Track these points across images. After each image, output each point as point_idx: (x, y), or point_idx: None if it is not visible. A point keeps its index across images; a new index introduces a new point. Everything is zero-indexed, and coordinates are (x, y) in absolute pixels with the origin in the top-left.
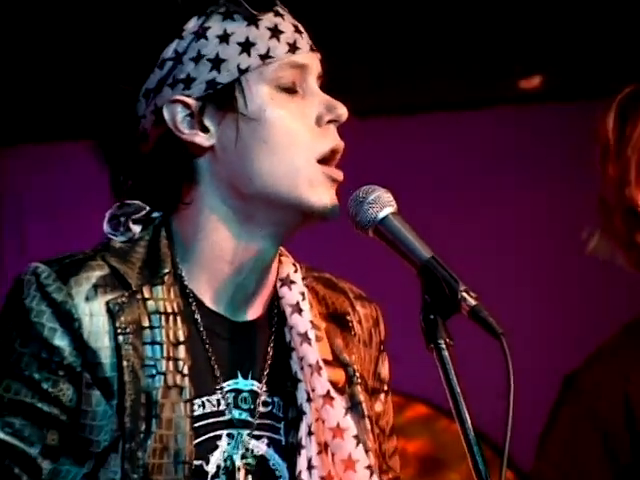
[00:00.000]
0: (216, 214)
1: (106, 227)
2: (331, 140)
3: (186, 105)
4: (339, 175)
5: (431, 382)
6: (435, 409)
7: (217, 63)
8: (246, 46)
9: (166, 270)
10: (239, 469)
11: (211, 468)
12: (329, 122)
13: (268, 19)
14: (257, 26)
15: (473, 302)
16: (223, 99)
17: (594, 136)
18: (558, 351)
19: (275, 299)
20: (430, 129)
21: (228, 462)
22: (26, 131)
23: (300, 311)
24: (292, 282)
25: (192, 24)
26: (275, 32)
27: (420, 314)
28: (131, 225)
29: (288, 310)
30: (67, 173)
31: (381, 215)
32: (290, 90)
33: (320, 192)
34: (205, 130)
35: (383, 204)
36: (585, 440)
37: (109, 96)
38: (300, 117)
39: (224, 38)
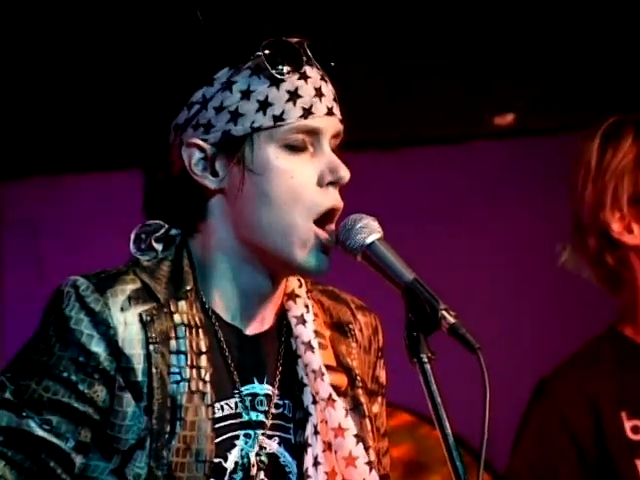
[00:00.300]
0: (223, 247)
1: (132, 247)
2: (330, 201)
3: (202, 149)
4: (331, 241)
5: (414, 392)
6: (418, 417)
7: (235, 116)
8: (264, 105)
9: (189, 287)
10: (254, 466)
11: (229, 465)
12: (330, 183)
13: (291, 82)
14: (278, 87)
15: (452, 320)
16: (234, 150)
17: (577, 161)
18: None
19: (283, 312)
20: (411, 163)
21: (245, 459)
22: (35, 163)
23: (304, 322)
24: (297, 296)
25: (222, 74)
26: (293, 96)
27: (404, 331)
28: (153, 243)
29: (293, 321)
30: (73, 203)
31: (368, 241)
32: (298, 149)
33: (311, 255)
34: (215, 174)
35: (370, 231)
36: (555, 441)
37: (150, 126)
38: (303, 175)
39: (246, 94)
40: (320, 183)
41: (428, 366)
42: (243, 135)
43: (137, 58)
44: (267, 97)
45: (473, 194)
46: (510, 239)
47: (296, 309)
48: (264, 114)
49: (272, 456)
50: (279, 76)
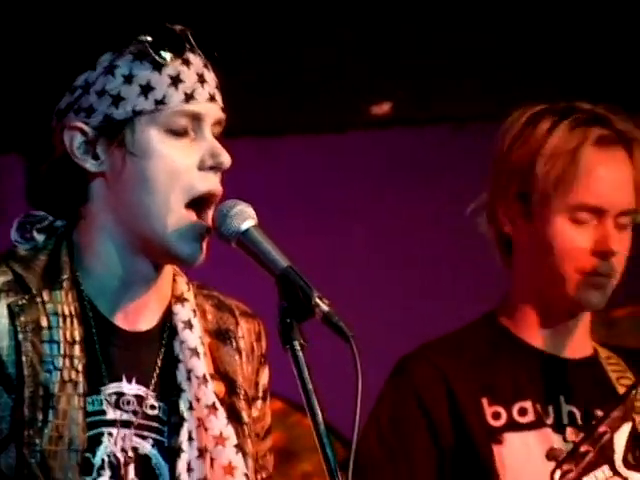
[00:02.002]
0: (105, 233)
1: (14, 235)
2: (208, 185)
3: (83, 132)
4: (206, 229)
5: (286, 380)
6: (289, 404)
7: (117, 100)
8: (145, 89)
9: (65, 276)
10: (121, 464)
11: (97, 461)
12: (210, 168)
13: (173, 67)
14: (160, 72)
15: (326, 308)
16: (115, 133)
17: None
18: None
19: (169, 314)
20: (289, 151)
21: (112, 457)
22: None
23: (191, 327)
24: (185, 300)
25: (105, 58)
26: (175, 80)
27: (277, 318)
28: (35, 234)
29: (180, 326)
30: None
31: (243, 227)
32: (179, 133)
33: (185, 243)
34: (96, 157)
35: (245, 217)
36: (410, 419)
37: (30, 112)
38: (183, 159)
39: (128, 79)
40: (200, 167)
41: (300, 353)
42: (124, 119)
43: (19, 44)
44: (149, 82)
45: (350, 182)
46: (387, 225)
47: (184, 313)
48: (146, 98)
49: (144, 457)
50: (161, 61)
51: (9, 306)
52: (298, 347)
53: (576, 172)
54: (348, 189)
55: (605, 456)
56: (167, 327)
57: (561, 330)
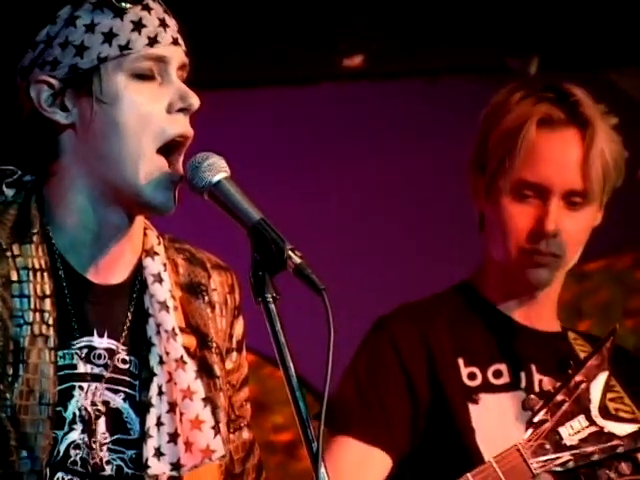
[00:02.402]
0: (77, 186)
1: None
2: (179, 127)
3: (50, 85)
4: (178, 177)
5: (258, 332)
6: (261, 357)
7: (81, 50)
8: (109, 37)
9: (35, 230)
10: (91, 418)
11: (68, 415)
12: (180, 110)
13: (134, 13)
14: (122, 19)
15: (298, 260)
16: (82, 83)
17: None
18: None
19: (139, 268)
20: (262, 102)
21: (83, 411)
22: None
23: (161, 281)
24: (155, 254)
25: (64, 11)
26: (138, 25)
27: (249, 271)
28: (4, 189)
29: (150, 279)
30: None
31: (215, 179)
32: (146, 77)
33: (157, 191)
34: (65, 109)
35: (217, 170)
36: (387, 372)
37: None
38: (152, 103)
39: (90, 27)
40: (169, 110)
41: (273, 306)
42: (90, 67)
43: None
44: (111, 29)
45: (321, 134)
46: (361, 178)
47: (154, 267)
48: (110, 45)
49: (115, 411)
50: (122, 7)
51: None
52: (270, 300)
53: (519, 149)
54: (320, 142)
55: (581, 406)
56: (138, 281)
57: (529, 303)
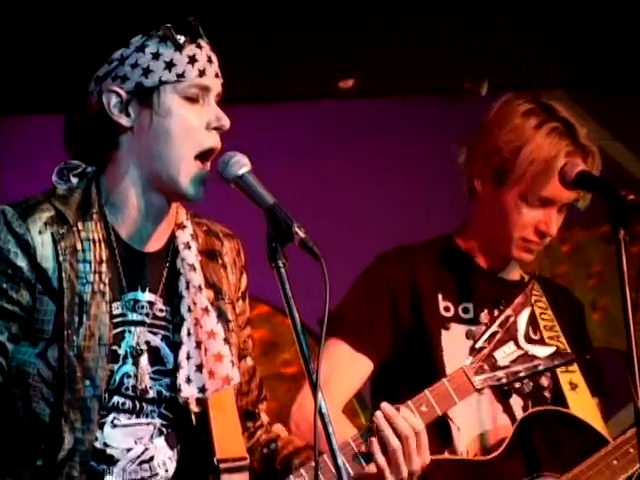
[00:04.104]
0: (130, 175)
1: (54, 177)
2: (213, 141)
3: (119, 95)
4: (208, 175)
5: (271, 289)
6: (273, 308)
7: (146, 72)
8: (169, 65)
9: (94, 210)
10: (138, 354)
11: (122, 352)
12: (214, 128)
13: (190, 49)
14: (181, 52)
15: (302, 235)
16: (145, 97)
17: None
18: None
19: (173, 238)
20: (276, 116)
21: (132, 349)
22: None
23: (189, 248)
24: (185, 227)
25: (137, 39)
26: (192, 60)
27: (265, 242)
28: (71, 177)
29: (181, 246)
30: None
31: (240, 172)
32: (193, 100)
33: (193, 187)
34: (128, 115)
35: (242, 165)
36: (379, 298)
37: (74, 77)
38: (195, 120)
39: (156, 56)
40: (207, 127)
41: (283, 270)
42: (152, 86)
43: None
44: (172, 59)
45: (322, 144)
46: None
47: (184, 236)
48: (169, 71)
49: (155, 348)
50: (181, 42)
51: (52, 235)
52: (281, 265)
53: (548, 175)
54: (320, 143)
55: (510, 334)
56: (171, 248)
57: (500, 262)
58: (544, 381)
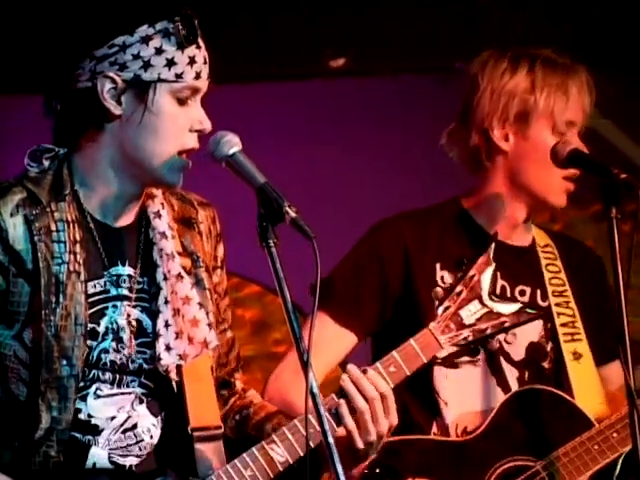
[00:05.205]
0: (108, 159)
1: (26, 160)
2: (193, 143)
3: (114, 81)
4: (187, 164)
5: (262, 269)
6: (265, 287)
7: (147, 65)
8: (170, 63)
9: (67, 191)
10: (123, 328)
11: (102, 329)
12: (197, 131)
13: (191, 49)
14: (182, 52)
15: (293, 214)
16: (140, 90)
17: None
18: None
19: (144, 209)
20: (264, 95)
21: (114, 325)
22: None
23: (160, 216)
24: (154, 196)
25: (142, 29)
26: (191, 61)
27: (256, 222)
28: (43, 160)
29: (152, 216)
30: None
31: (230, 152)
32: (183, 102)
33: (172, 175)
34: (119, 104)
35: (232, 144)
36: (367, 271)
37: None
38: (182, 121)
39: (159, 51)
40: (190, 129)
41: (274, 249)
42: (150, 81)
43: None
44: (173, 58)
45: (314, 122)
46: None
47: (154, 206)
48: (169, 70)
49: (137, 321)
50: (185, 44)
51: (25, 216)
52: (272, 244)
53: (565, 97)
54: (310, 124)
55: (475, 293)
56: (143, 219)
57: (513, 224)
58: (511, 338)
